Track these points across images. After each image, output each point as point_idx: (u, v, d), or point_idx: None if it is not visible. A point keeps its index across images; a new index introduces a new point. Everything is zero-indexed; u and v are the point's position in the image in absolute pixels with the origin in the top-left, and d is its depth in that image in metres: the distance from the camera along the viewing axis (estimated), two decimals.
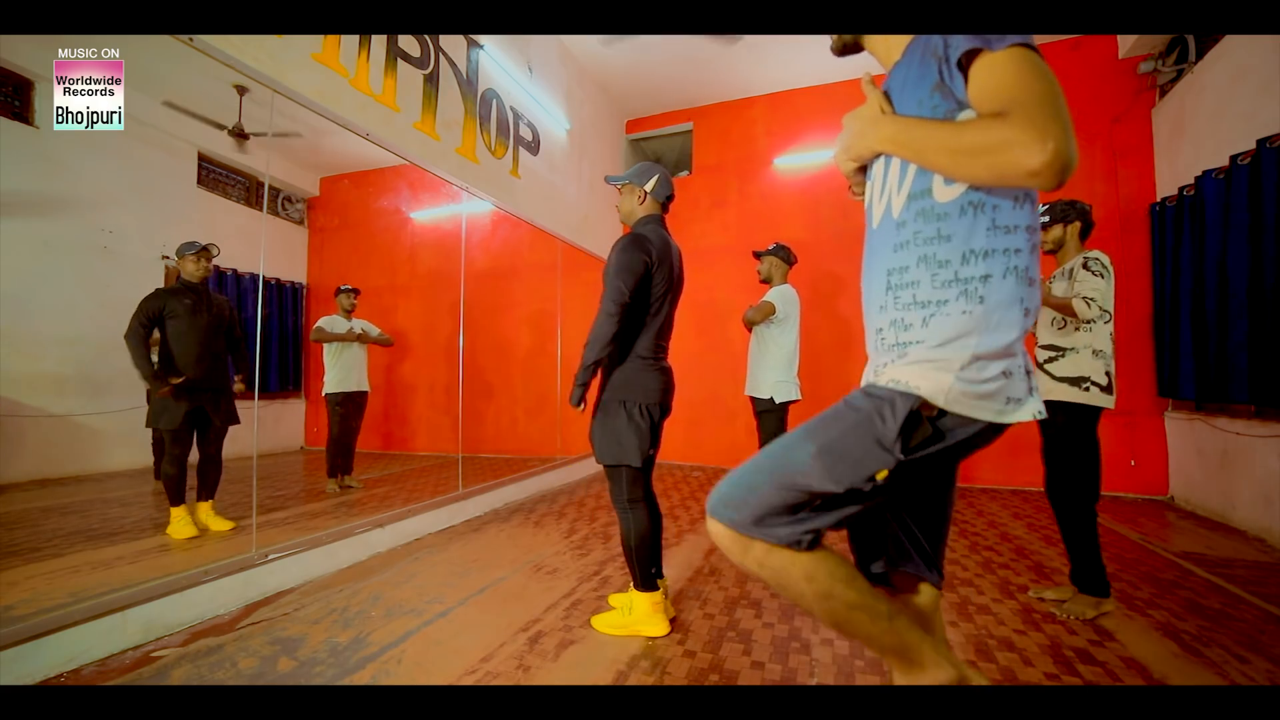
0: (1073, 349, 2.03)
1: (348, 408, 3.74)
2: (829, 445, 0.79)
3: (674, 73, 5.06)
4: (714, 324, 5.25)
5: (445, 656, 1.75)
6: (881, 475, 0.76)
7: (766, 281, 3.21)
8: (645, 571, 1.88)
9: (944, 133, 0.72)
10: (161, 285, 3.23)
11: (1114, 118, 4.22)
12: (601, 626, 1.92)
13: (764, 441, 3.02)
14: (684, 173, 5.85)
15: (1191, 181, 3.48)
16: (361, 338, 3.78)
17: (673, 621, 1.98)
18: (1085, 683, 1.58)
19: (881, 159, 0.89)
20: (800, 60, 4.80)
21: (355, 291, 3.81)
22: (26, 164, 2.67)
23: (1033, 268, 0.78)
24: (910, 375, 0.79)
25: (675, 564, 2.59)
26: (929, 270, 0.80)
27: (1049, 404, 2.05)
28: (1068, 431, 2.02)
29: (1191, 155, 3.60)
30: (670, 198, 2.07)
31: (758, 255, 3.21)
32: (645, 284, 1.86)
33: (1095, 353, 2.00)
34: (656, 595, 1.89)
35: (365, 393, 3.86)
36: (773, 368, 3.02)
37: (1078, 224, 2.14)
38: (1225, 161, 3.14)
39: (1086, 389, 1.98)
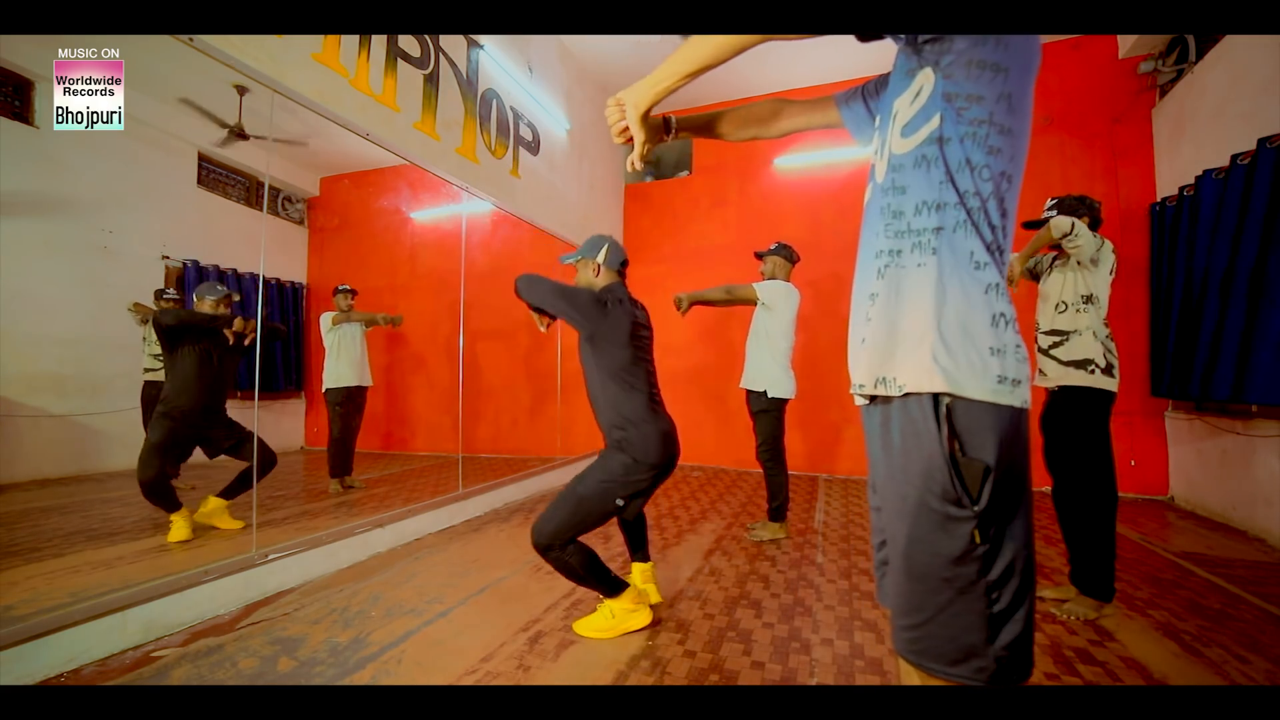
0: (1075, 332, 2.03)
1: (348, 406, 3.73)
2: (917, 539, 0.75)
3: None
4: (714, 324, 5.25)
5: (445, 656, 1.75)
6: (978, 539, 0.72)
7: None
8: (605, 584, 1.89)
9: (688, 43, 0.80)
10: (161, 286, 3.24)
11: (1114, 118, 4.22)
12: (587, 631, 1.91)
13: (761, 444, 3.01)
14: (684, 173, 5.85)
15: (1192, 181, 3.48)
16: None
17: (655, 608, 2.04)
18: (1085, 683, 1.58)
19: (875, 128, 0.90)
20: (800, 60, 4.80)
21: (352, 292, 3.83)
22: (26, 164, 2.67)
23: (983, 226, 0.76)
24: (890, 368, 0.77)
25: (675, 564, 2.59)
26: (884, 220, 0.81)
27: (1059, 392, 2.04)
28: (1079, 422, 2.01)
29: (1192, 155, 3.60)
30: (625, 263, 2.10)
31: (760, 256, 3.20)
32: (622, 335, 1.90)
33: (1095, 334, 2.01)
34: (629, 593, 1.91)
35: (365, 388, 3.86)
36: (770, 360, 3.02)
37: (1086, 219, 2.14)
38: (1225, 161, 3.14)
39: (1092, 371, 1.99)
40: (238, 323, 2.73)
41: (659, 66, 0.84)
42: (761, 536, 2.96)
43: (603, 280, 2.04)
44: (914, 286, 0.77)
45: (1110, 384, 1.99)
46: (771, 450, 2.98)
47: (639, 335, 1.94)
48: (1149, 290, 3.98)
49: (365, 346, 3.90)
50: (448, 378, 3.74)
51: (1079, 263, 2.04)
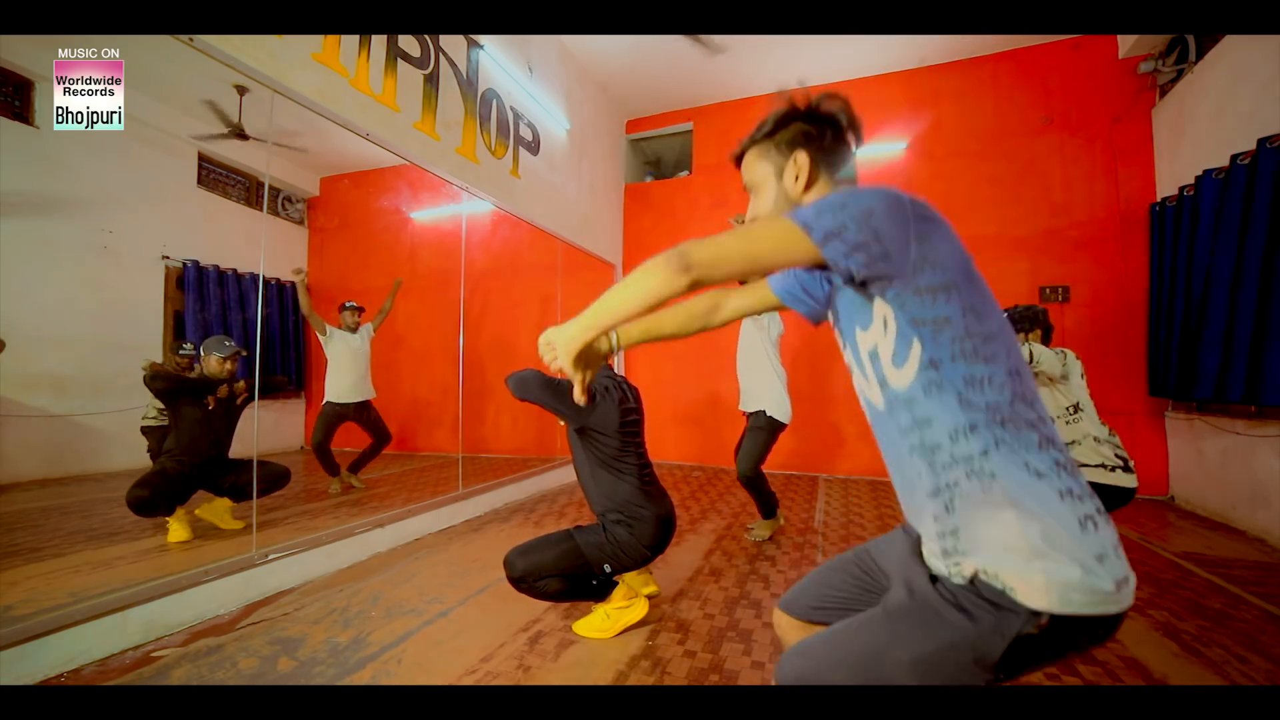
0: (1075, 442, 2.04)
1: (344, 421, 3.68)
2: (923, 659, 0.74)
3: (674, 73, 5.06)
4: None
5: (445, 656, 1.75)
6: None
7: None
8: (588, 595, 1.90)
9: (614, 290, 0.82)
10: (162, 289, 3.24)
11: (1114, 118, 4.22)
12: (587, 631, 1.90)
13: (748, 460, 2.86)
14: (684, 173, 5.85)
15: (1192, 181, 3.48)
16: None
17: (655, 600, 2.10)
18: (1085, 683, 1.58)
19: (846, 351, 0.90)
20: (800, 60, 4.79)
21: (360, 309, 3.79)
22: (26, 164, 2.67)
23: (1023, 430, 0.72)
24: (995, 566, 0.71)
25: (675, 564, 2.59)
26: (925, 459, 0.77)
27: None
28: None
29: (1192, 155, 3.60)
30: None
31: (743, 282, 3.19)
32: (611, 425, 1.91)
33: (1096, 439, 2.01)
34: (618, 591, 1.92)
35: (364, 402, 3.77)
36: (770, 381, 2.95)
37: (1038, 332, 2.16)
38: (1226, 161, 3.14)
39: (1112, 470, 1.98)
40: (222, 389, 2.71)
41: (588, 311, 0.87)
42: (761, 536, 2.96)
43: None
44: (993, 513, 0.72)
45: (1130, 480, 1.97)
46: (756, 472, 2.88)
47: (629, 421, 1.95)
48: (1149, 290, 3.98)
49: (369, 360, 3.82)
50: (448, 378, 3.74)
51: (1050, 379, 2.06)
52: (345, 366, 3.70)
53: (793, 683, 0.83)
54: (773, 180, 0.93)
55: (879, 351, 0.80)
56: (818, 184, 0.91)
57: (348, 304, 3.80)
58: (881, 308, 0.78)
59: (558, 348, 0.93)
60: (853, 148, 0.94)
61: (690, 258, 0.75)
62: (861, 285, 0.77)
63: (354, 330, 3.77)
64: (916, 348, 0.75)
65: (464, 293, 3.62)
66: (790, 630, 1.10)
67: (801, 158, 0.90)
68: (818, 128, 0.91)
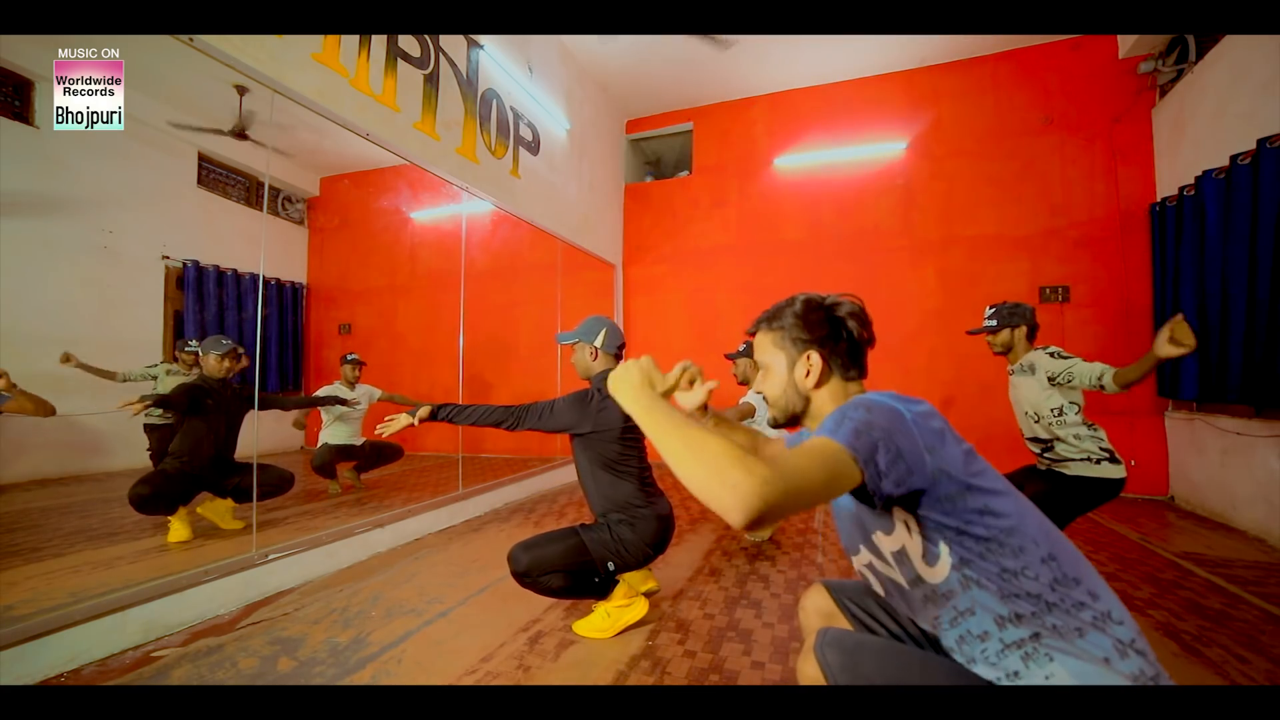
0: (1060, 440, 2.06)
1: (343, 457, 3.71)
2: None
3: (674, 73, 5.06)
4: (714, 324, 5.25)
5: (445, 656, 1.75)
6: None
7: (744, 383, 3.16)
8: (590, 593, 1.89)
9: (689, 431, 0.69)
10: (162, 289, 3.24)
11: (1114, 118, 4.22)
12: (587, 631, 1.89)
13: None
14: (684, 173, 5.85)
15: (1192, 181, 3.48)
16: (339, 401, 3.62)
17: (655, 598, 2.10)
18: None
19: (860, 552, 0.93)
20: (800, 60, 4.79)
21: (361, 363, 3.77)
22: (26, 164, 2.67)
23: (1071, 611, 0.75)
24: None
25: (675, 564, 2.59)
26: (975, 647, 0.79)
27: (1072, 478, 2.04)
28: (1080, 505, 2.02)
29: (1191, 155, 3.60)
30: (622, 346, 2.08)
31: (731, 357, 3.20)
32: (614, 431, 1.92)
33: (1076, 436, 2.03)
34: (619, 590, 1.92)
35: (358, 445, 3.78)
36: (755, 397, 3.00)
37: (1024, 328, 2.18)
38: (1225, 161, 3.14)
39: (1098, 463, 2.00)
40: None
41: (657, 416, 0.75)
42: (761, 536, 2.96)
43: (599, 365, 2.04)
44: (1057, 664, 0.77)
45: (1118, 471, 1.99)
46: None
47: (630, 426, 1.93)
48: (1152, 291, 3.98)
49: (363, 417, 3.79)
50: (448, 377, 3.74)
51: (1053, 381, 2.06)
52: (340, 425, 3.67)
53: (836, 673, 0.87)
54: (784, 368, 0.96)
55: (908, 552, 0.82)
56: (829, 383, 0.94)
57: (348, 356, 3.75)
58: (901, 514, 0.80)
59: (620, 386, 0.89)
60: (864, 350, 0.96)
61: (770, 500, 0.62)
62: (884, 505, 0.78)
63: (352, 386, 3.70)
64: (944, 550, 0.78)
65: (464, 293, 3.62)
66: (815, 615, 1.11)
67: (815, 358, 0.93)
68: (831, 331, 0.93)
